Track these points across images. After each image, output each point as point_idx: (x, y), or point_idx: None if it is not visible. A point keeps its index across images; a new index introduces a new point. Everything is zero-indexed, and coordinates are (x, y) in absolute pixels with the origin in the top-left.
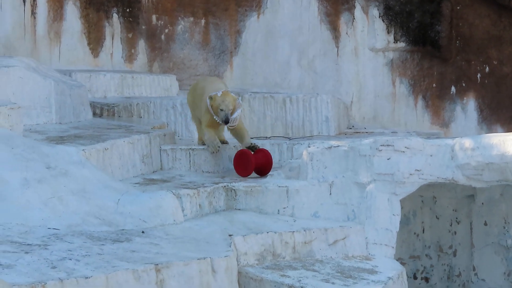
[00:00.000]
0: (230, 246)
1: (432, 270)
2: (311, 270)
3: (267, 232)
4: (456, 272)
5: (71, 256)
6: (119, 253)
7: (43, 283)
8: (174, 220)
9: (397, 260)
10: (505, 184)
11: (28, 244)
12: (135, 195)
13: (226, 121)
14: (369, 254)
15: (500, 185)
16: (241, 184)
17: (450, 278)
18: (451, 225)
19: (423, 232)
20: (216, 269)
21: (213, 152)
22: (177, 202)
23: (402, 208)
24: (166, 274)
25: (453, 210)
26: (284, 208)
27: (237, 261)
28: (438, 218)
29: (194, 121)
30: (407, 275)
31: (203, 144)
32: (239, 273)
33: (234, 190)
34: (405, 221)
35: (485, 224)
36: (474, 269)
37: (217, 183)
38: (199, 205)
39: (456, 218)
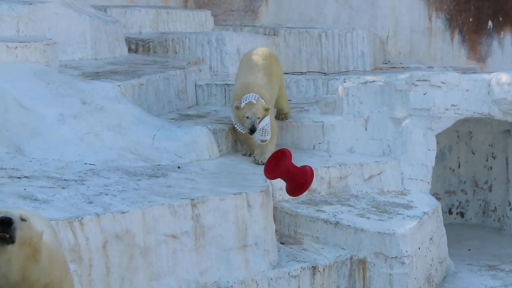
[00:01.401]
0: (265, 182)
1: (468, 205)
2: (346, 205)
3: None
4: (492, 207)
5: (108, 191)
6: (155, 188)
7: (80, 218)
8: (210, 156)
9: (432, 195)
10: None
11: (64, 180)
12: (171, 130)
13: (252, 129)
14: (405, 189)
15: None
16: None
17: (485, 213)
18: (487, 160)
19: (459, 167)
20: (251, 204)
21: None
22: (212, 137)
23: (437, 143)
24: (201, 209)
25: (489, 145)
26: (320, 143)
27: (272, 196)
28: (474, 153)
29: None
30: (442, 210)
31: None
32: (275, 208)
33: None
34: (440, 156)
35: None
36: (509, 204)
37: None
38: (235, 140)
39: (492, 153)
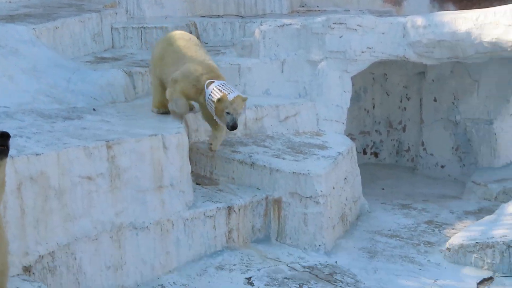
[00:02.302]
0: (181, 123)
1: (382, 146)
2: (261, 146)
3: None
4: (405, 147)
5: (22, 134)
6: (70, 130)
7: None
8: (126, 98)
9: (347, 135)
10: (455, 61)
11: None
12: (86, 73)
13: (233, 127)
14: (320, 130)
15: (450, 62)
16: None
17: (399, 153)
18: (401, 102)
19: (374, 109)
20: (167, 146)
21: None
22: (128, 80)
23: (353, 85)
24: (117, 151)
25: (404, 86)
26: (236, 85)
27: (188, 137)
28: (389, 95)
29: (153, 83)
30: (356, 150)
31: (161, 108)
32: (191, 149)
33: None
34: (356, 98)
35: (435, 100)
36: (422, 144)
37: None
38: (150, 82)
39: (406, 95)
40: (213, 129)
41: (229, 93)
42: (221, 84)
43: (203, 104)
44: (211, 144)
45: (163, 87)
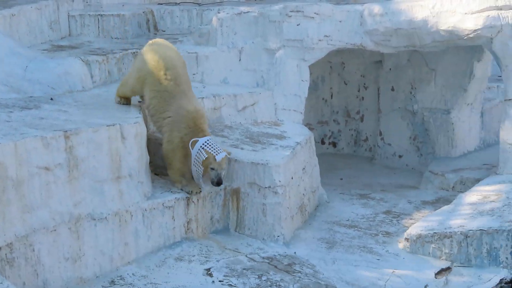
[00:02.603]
0: (139, 113)
1: (340, 135)
2: (220, 136)
3: None
4: (363, 137)
5: None
6: (27, 120)
7: None
8: (83, 87)
9: (305, 125)
10: (412, 50)
11: None
12: (43, 61)
13: (218, 183)
14: (278, 119)
15: (407, 50)
16: None
17: (357, 143)
18: (358, 91)
19: (331, 98)
20: (125, 136)
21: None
22: (86, 68)
23: (310, 74)
24: (75, 141)
25: (361, 75)
26: (194, 74)
27: (146, 127)
28: (346, 84)
29: (130, 75)
30: (315, 140)
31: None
32: (149, 139)
33: None
34: (313, 87)
35: (392, 89)
36: (380, 134)
37: (126, 50)
38: (108, 71)
39: (364, 84)
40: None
41: (216, 154)
42: (206, 143)
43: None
44: (192, 191)
45: (136, 86)
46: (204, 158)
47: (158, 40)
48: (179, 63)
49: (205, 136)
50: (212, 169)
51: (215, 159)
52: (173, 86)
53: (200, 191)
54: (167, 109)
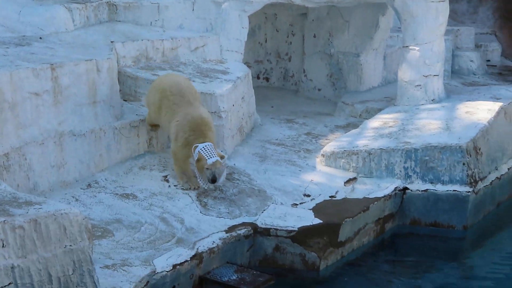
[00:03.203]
0: (111, 51)
1: (272, 72)
2: (176, 70)
3: (142, 40)
4: (290, 74)
5: None
6: (21, 54)
7: None
8: (66, 29)
9: (244, 63)
10: (331, 5)
11: None
12: (34, 8)
13: (213, 181)
14: (223, 58)
15: (327, 5)
16: (121, 0)
17: (285, 79)
18: (287, 37)
19: (266, 42)
20: (100, 69)
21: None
22: (68, 14)
23: (249, 22)
24: (59, 72)
25: (290, 24)
26: (156, 20)
27: (117, 62)
28: (278, 31)
29: (150, 121)
30: (252, 75)
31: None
32: (119, 72)
33: (115, 5)
34: (251, 33)
35: (314, 36)
36: (304, 72)
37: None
38: (87, 17)
39: (292, 31)
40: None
41: (208, 158)
42: (203, 148)
43: None
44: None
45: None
46: (198, 159)
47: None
48: (181, 79)
49: (205, 142)
50: (207, 169)
51: (207, 162)
52: (179, 99)
53: (198, 188)
54: (175, 117)
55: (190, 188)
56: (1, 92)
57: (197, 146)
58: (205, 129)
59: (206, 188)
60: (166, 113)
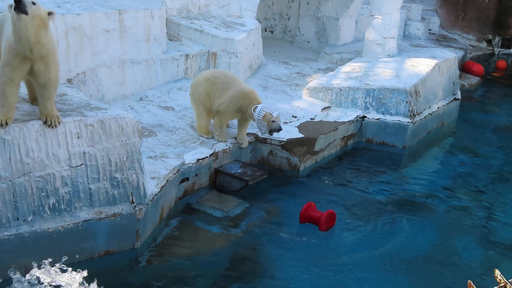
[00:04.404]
0: (162, 3)
1: (276, 27)
2: (208, 21)
3: None
4: (289, 29)
5: (69, 1)
6: (97, 1)
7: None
8: None
9: (256, 19)
10: None
11: None
12: None
13: (279, 130)
14: (241, 15)
15: None
16: None
17: (285, 32)
18: (288, 2)
19: (273, 5)
20: (153, 16)
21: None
22: None
23: None
24: (124, 16)
25: None
26: None
27: (166, 12)
28: None
29: (197, 112)
30: (261, 28)
31: (206, 134)
32: (167, 19)
33: None
34: None
35: (307, 3)
36: (298, 28)
37: None
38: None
39: None
40: (240, 132)
41: (272, 112)
42: (264, 107)
43: (242, 118)
44: (241, 143)
45: (208, 114)
46: (264, 115)
47: None
48: (220, 69)
49: (259, 103)
50: (273, 121)
51: (272, 115)
52: (224, 83)
53: (226, 141)
54: (225, 94)
55: (219, 140)
56: (82, 28)
57: (257, 106)
58: (255, 97)
59: (264, 136)
60: (216, 94)
